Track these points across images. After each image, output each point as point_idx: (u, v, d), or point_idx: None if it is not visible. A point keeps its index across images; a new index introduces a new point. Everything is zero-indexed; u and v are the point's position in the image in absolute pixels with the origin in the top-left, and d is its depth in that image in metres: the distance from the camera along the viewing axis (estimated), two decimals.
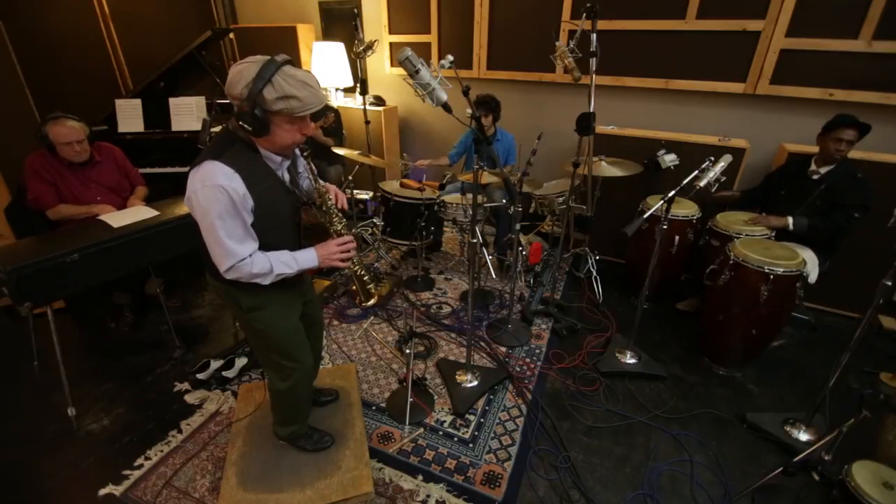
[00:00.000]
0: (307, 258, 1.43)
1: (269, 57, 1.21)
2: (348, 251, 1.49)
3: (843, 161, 2.38)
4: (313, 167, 1.52)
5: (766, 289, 2.09)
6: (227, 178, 1.22)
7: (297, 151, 1.49)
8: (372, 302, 1.70)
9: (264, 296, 1.46)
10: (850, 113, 2.33)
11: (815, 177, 2.44)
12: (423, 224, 2.97)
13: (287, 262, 1.39)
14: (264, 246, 1.37)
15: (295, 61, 4.60)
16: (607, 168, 2.90)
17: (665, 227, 2.11)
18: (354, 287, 1.68)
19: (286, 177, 1.44)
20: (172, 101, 3.32)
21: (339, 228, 1.54)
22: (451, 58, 1.67)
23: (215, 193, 1.21)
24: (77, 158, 2.38)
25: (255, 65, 1.18)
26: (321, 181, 1.54)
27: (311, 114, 1.28)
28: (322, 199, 1.53)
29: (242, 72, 1.18)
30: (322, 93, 1.29)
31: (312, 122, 1.36)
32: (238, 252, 1.29)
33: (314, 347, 1.80)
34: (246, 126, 1.22)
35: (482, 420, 2.10)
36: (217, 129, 3.08)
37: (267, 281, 1.37)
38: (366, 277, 1.68)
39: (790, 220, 2.39)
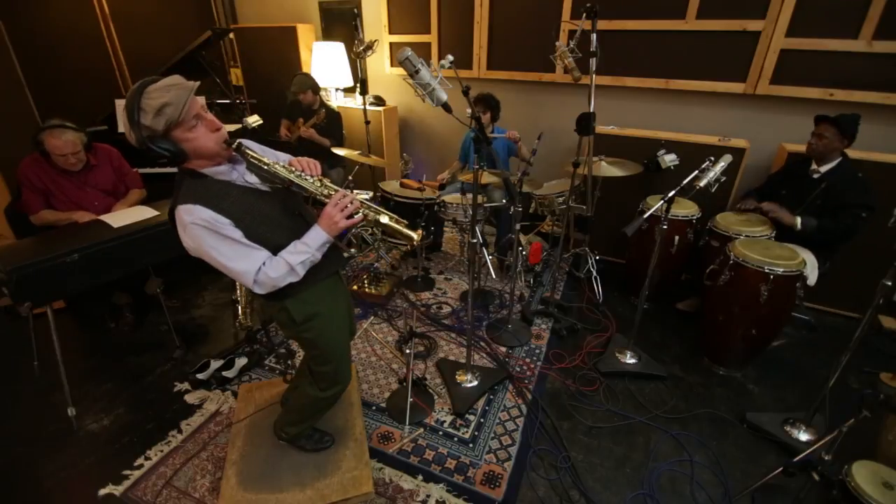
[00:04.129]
0: (315, 236, 1.34)
1: (133, 87, 1.17)
2: (347, 206, 1.33)
3: (843, 160, 2.39)
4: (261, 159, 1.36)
5: (766, 289, 2.08)
6: (190, 215, 1.22)
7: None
8: (417, 235, 1.43)
9: (313, 303, 1.46)
10: (850, 112, 2.34)
11: (816, 176, 2.44)
12: (423, 224, 2.97)
13: (300, 250, 1.33)
14: (276, 248, 1.34)
15: (292, 62, 4.57)
16: (607, 168, 2.90)
17: (665, 227, 2.10)
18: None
19: (250, 178, 1.35)
20: None
21: (325, 193, 1.36)
22: (451, 58, 1.67)
23: (192, 231, 1.23)
24: (73, 168, 2.38)
25: (124, 103, 1.18)
26: (283, 159, 1.42)
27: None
28: (289, 178, 1.33)
29: (121, 117, 1.18)
30: (186, 80, 1.20)
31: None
32: (248, 269, 1.29)
33: None
34: (167, 161, 1.22)
35: (482, 420, 2.10)
36: None
37: (293, 277, 1.33)
38: (394, 222, 1.41)
39: (799, 219, 2.38)
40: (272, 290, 1.34)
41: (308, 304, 1.45)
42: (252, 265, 1.29)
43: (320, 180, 1.37)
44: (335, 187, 1.37)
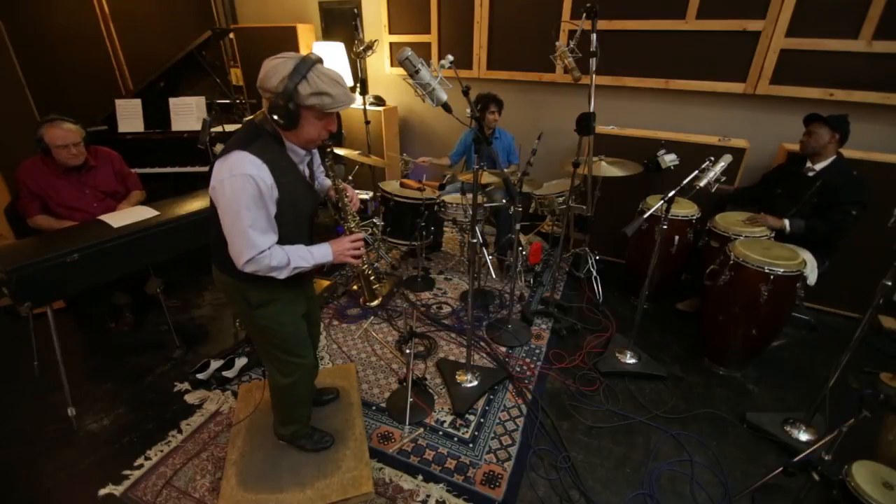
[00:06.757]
0: (322, 253, 1.46)
1: (302, 54, 1.25)
2: (359, 248, 1.54)
3: (838, 158, 2.39)
4: (333, 167, 1.60)
5: (767, 289, 2.08)
6: (256, 168, 1.24)
7: (316, 150, 1.54)
8: (376, 302, 1.75)
9: (274, 291, 1.47)
10: (846, 112, 2.35)
11: (811, 174, 2.44)
12: (423, 224, 2.97)
13: (304, 255, 1.42)
14: (280, 239, 1.39)
15: None
16: (607, 168, 2.90)
17: (665, 227, 2.11)
18: (357, 286, 1.72)
19: (306, 172, 1.48)
20: (172, 101, 3.32)
21: (352, 226, 1.59)
22: (451, 58, 1.67)
23: (244, 183, 1.23)
24: (73, 161, 2.35)
25: (290, 61, 1.22)
26: (339, 180, 1.60)
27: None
28: (339, 195, 1.59)
29: (278, 66, 1.22)
30: (351, 93, 1.32)
31: None
32: (259, 243, 1.30)
33: (312, 345, 1.81)
34: (277, 119, 1.26)
35: (482, 420, 2.10)
36: (217, 129, 3.08)
37: (283, 274, 1.38)
38: (372, 277, 1.71)
39: (786, 222, 2.39)
40: (256, 273, 1.35)
41: (266, 290, 1.46)
42: (263, 243, 1.31)
43: (355, 215, 1.62)
44: (360, 226, 1.59)
